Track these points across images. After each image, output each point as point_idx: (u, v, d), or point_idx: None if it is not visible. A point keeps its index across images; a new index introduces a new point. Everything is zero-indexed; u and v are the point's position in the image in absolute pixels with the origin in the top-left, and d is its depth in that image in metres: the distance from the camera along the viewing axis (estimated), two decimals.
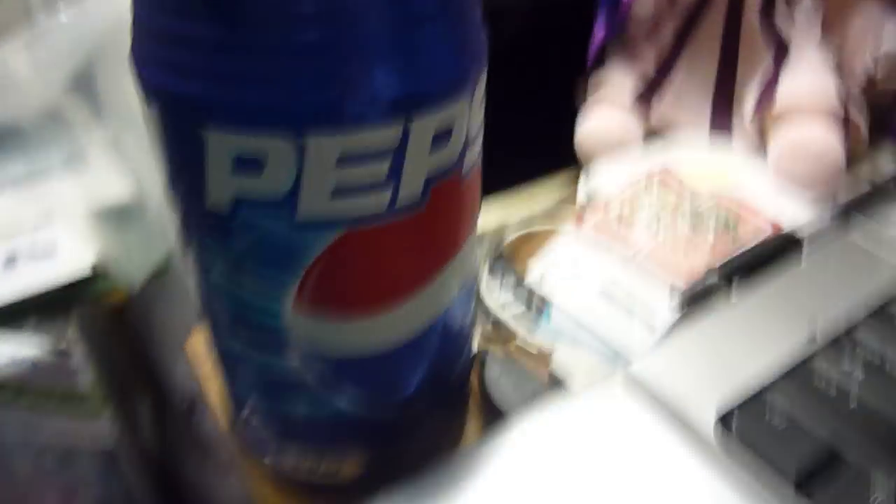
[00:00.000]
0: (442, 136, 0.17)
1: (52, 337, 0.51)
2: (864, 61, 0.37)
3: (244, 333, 0.20)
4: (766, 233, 0.32)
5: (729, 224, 0.32)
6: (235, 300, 0.19)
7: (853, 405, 0.24)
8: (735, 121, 0.40)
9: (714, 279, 0.29)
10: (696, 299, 0.28)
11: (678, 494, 0.21)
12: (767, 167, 0.36)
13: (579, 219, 0.37)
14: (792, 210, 0.34)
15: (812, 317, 0.27)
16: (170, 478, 0.77)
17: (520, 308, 0.32)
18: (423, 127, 0.16)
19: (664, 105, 0.40)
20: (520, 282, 0.34)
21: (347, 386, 0.20)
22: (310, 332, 0.19)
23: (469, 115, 0.18)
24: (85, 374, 0.53)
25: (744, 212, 0.33)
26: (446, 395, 0.24)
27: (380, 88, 0.15)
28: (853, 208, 0.33)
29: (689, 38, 0.40)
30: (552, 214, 0.39)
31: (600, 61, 0.41)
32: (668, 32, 0.41)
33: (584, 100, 0.42)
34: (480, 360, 0.27)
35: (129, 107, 0.57)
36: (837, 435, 0.22)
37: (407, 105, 0.16)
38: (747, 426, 0.23)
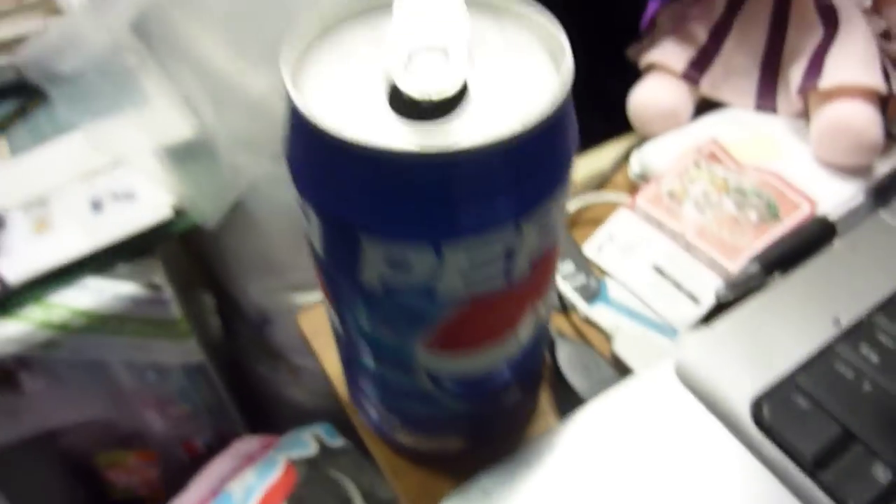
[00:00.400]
0: (546, 224, 0.21)
1: (144, 274, 0.57)
2: None
3: (377, 360, 0.24)
4: (804, 212, 0.35)
5: (770, 203, 0.36)
6: (374, 342, 0.23)
7: (867, 388, 0.28)
8: (780, 89, 0.42)
9: (755, 269, 0.33)
10: (738, 287, 0.33)
11: (718, 470, 0.27)
12: (809, 139, 0.39)
13: (634, 191, 0.41)
14: (829, 186, 0.37)
15: (838, 302, 0.31)
16: (244, 378, 0.86)
17: (580, 280, 0.37)
18: (532, 223, 0.20)
19: (714, 73, 0.42)
20: (579, 253, 0.38)
21: (457, 394, 0.25)
22: (433, 361, 0.24)
23: (563, 198, 0.21)
24: (174, 304, 0.60)
25: (784, 188, 0.36)
26: (530, 389, 0.29)
27: (500, 211, 0.19)
28: (888, 186, 0.37)
29: (741, 5, 0.42)
30: (609, 183, 0.42)
31: (653, 27, 0.43)
32: (720, 1, 0.42)
33: (637, 65, 0.44)
34: (551, 340, 0.32)
35: (186, 49, 0.59)
36: (852, 416, 0.27)
37: (521, 215, 0.19)
38: (776, 410, 0.28)
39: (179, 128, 0.62)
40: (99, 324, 0.56)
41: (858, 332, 0.30)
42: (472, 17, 0.21)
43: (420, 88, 0.19)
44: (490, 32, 0.22)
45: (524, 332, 0.24)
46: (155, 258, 0.59)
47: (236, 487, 0.66)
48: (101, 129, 0.61)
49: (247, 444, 0.73)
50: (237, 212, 0.62)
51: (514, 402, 0.28)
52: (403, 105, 0.19)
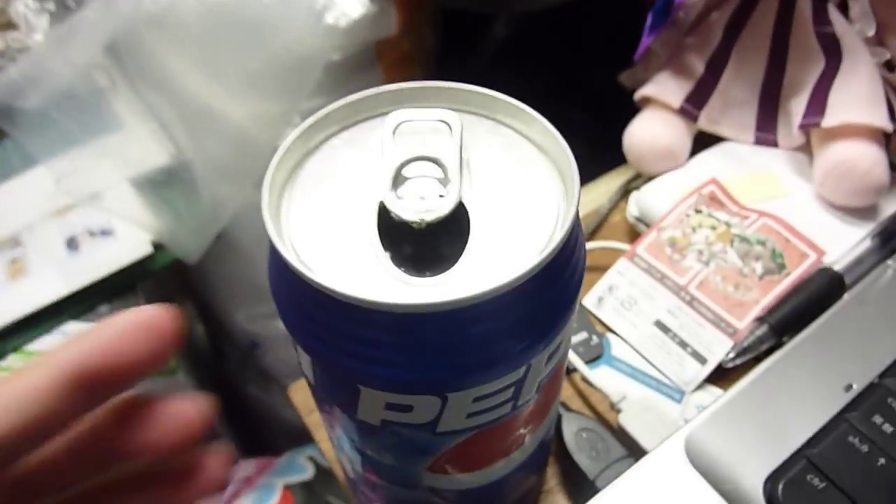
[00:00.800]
0: (555, 350, 0.19)
1: None
2: None
3: (378, 474, 0.23)
4: (810, 261, 0.34)
5: (776, 252, 0.35)
6: (377, 464, 0.22)
7: (881, 462, 0.27)
8: (781, 122, 0.40)
9: (763, 331, 0.31)
10: (747, 352, 0.32)
11: None
12: (812, 176, 0.38)
13: (632, 233, 0.39)
14: (834, 229, 0.36)
15: (850, 365, 0.30)
16: (236, 399, 0.85)
17: (581, 336, 0.35)
18: (540, 358, 0.19)
19: (712, 107, 0.40)
20: (580, 307, 0.36)
21: (462, 501, 0.24)
22: (437, 480, 0.22)
23: (570, 325, 0.20)
24: None
25: (789, 235, 0.35)
26: (536, 477, 0.28)
27: (508, 354, 0.17)
28: (894, 230, 0.35)
29: (738, 34, 0.40)
30: (606, 222, 0.41)
31: (647, 53, 0.41)
32: (717, 28, 0.40)
33: (631, 96, 0.42)
34: (557, 415, 0.31)
35: (160, 73, 0.57)
36: (867, 495, 0.26)
37: (530, 354, 0.18)
38: (789, 490, 0.27)
39: (155, 155, 0.60)
40: None
41: (871, 398, 0.29)
42: (468, 125, 0.20)
43: (412, 211, 0.17)
44: (487, 140, 0.20)
45: (532, 441, 0.23)
46: (136, 296, 0.57)
47: None
48: (70, 162, 0.58)
49: (243, 468, 0.72)
50: (221, 240, 0.60)
51: (520, 494, 0.27)
52: (394, 229, 0.18)
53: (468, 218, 0.18)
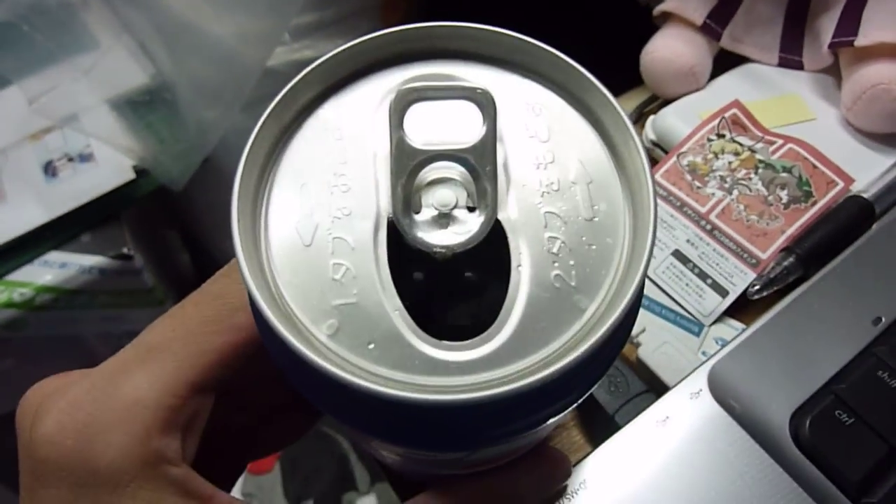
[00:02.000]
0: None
1: (111, 243, 0.53)
2: None
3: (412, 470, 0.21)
4: (838, 189, 0.32)
5: (802, 180, 0.33)
6: (407, 466, 0.20)
7: None
8: (807, 42, 0.38)
9: (790, 262, 0.30)
10: (773, 283, 0.30)
11: (757, 497, 0.25)
12: (839, 99, 0.36)
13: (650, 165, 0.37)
14: (863, 156, 0.34)
15: (878, 297, 0.29)
16: None
17: None
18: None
19: (735, 24, 0.38)
20: None
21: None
22: (469, 468, 0.21)
23: None
24: (146, 272, 0.56)
25: (817, 161, 0.33)
26: None
27: (536, 420, 0.14)
28: None
29: None
30: None
31: None
32: None
33: (642, 12, 0.39)
34: None
35: None
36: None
37: (558, 415, 0.15)
38: (816, 427, 0.26)
39: (134, 75, 0.56)
40: (66, 300, 0.52)
41: None
42: (508, 94, 0.14)
43: (432, 235, 0.13)
44: (533, 125, 0.14)
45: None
46: (120, 224, 0.54)
47: None
48: (44, 81, 0.55)
49: None
50: (207, 165, 0.57)
51: None
52: (408, 254, 0.13)
53: (506, 243, 0.13)
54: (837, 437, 0.26)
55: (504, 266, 0.13)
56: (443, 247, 0.13)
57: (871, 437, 0.26)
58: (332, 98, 0.14)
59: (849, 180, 0.33)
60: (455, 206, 0.13)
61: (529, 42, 0.14)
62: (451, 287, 0.14)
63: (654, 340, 0.30)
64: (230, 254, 0.53)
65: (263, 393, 0.21)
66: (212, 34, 0.51)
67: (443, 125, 0.14)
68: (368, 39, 0.14)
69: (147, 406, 0.16)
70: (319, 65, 0.14)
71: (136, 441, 0.15)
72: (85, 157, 0.54)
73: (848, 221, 0.31)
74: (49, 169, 0.53)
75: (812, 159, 0.33)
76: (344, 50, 0.14)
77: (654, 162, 0.36)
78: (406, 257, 0.13)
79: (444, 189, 0.13)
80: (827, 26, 0.36)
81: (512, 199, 0.13)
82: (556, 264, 0.13)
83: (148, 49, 0.56)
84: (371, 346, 0.12)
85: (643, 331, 0.30)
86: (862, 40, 0.34)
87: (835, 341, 0.28)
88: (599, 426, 0.28)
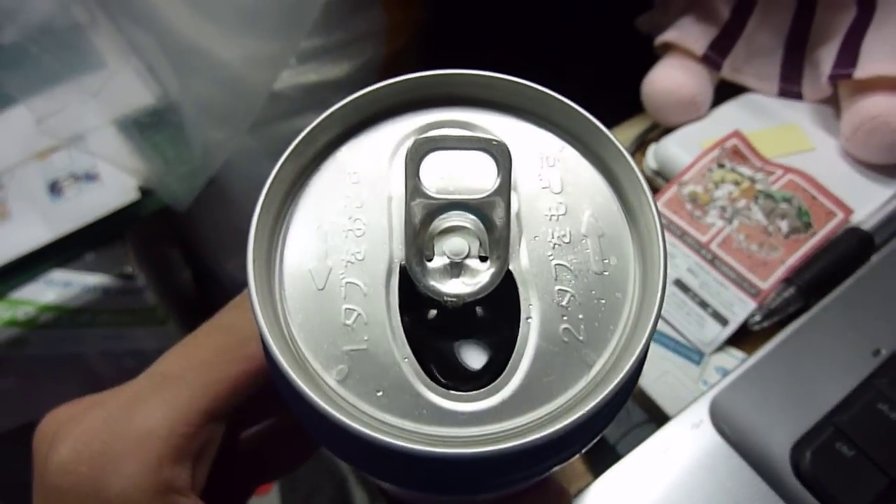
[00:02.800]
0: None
1: (114, 262, 0.53)
2: None
3: None
4: (838, 220, 0.33)
5: (802, 210, 0.33)
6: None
7: None
8: (807, 72, 0.39)
9: (791, 293, 0.30)
10: (774, 314, 0.30)
11: None
12: (839, 130, 0.36)
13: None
14: (862, 187, 0.35)
15: (878, 329, 0.29)
16: None
17: None
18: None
19: (736, 55, 0.38)
20: None
21: None
22: None
23: None
24: (149, 291, 0.56)
25: (816, 192, 0.34)
26: None
27: (545, 467, 0.15)
28: None
29: None
30: None
31: (667, 2, 0.39)
32: None
33: (643, 42, 0.40)
34: None
35: (144, 8, 0.53)
36: None
37: (567, 461, 0.15)
38: (817, 458, 0.26)
39: (141, 95, 0.57)
40: (69, 318, 0.52)
41: None
42: (522, 145, 0.14)
43: (444, 283, 0.13)
44: (547, 177, 0.14)
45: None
46: (124, 244, 0.54)
47: None
48: (51, 101, 0.55)
49: None
50: (211, 186, 0.57)
51: None
52: (419, 301, 0.13)
53: (516, 294, 0.13)
54: (838, 469, 0.26)
55: (514, 317, 0.13)
56: (454, 296, 0.13)
57: (871, 470, 0.26)
58: (349, 141, 0.14)
59: (848, 211, 0.33)
60: (467, 255, 0.13)
61: (545, 92, 0.14)
62: (460, 336, 0.14)
63: (655, 370, 0.30)
64: (233, 273, 0.54)
65: (271, 417, 0.22)
66: (218, 57, 0.51)
67: (458, 173, 0.14)
68: (386, 85, 0.14)
69: (160, 436, 0.16)
70: (338, 108, 0.14)
71: (147, 471, 0.16)
72: (91, 177, 0.54)
73: (847, 253, 0.31)
74: (55, 188, 0.54)
75: (811, 190, 0.34)
76: (362, 95, 0.14)
77: (654, 190, 0.36)
78: (417, 304, 0.13)
79: (457, 238, 0.13)
80: (826, 58, 0.37)
81: (523, 249, 0.13)
82: (565, 318, 0.13)
83: (155, 70, 0.56)
84: (379, 393, 0.12)
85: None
86: (860, 73, 0.35)
87: (835, 373, 0.28)
88: (601, 456, 0.28)
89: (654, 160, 0.37)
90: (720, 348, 0.32)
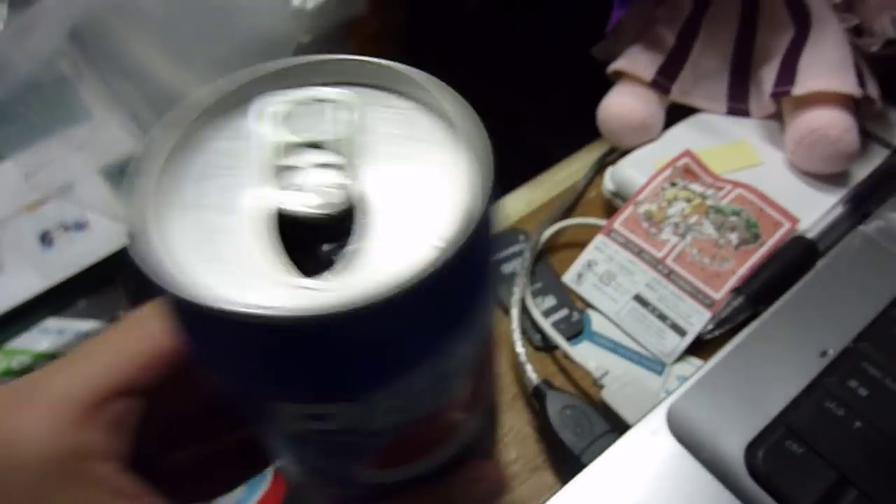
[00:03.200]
0: (480, 336, 0.19)
1: (106, 307, 0.55)
2: (881, 24, 0.37)
3: (323, 479, 0.23)
4: (784, 230, 0.35)
5: (750, 223, 0.35)
6: (317, 470, 0.22)
7: (858, 425, 0.28)
8: (752, 91, 0.41)
9: (740, 302, 0.32)
10: (724, 323, 0.32)
11: None
12: (784, 144, 0.38)
13: (609, 209, 0.40)
14: (807, 196, 0.37)
15: (824, 331, 0.31)
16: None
17: (562, 313, 0.36)
18: (460, 349, 0.18)
19: (684, 78, 0.40)
20: (559, 284, 0.37)
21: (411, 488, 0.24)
22: (374, 475, 0.22)
23: (489, 311, 0.20)
24: None
25: (763, 204, 0.36)
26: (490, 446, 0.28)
27: (422, 351, 0.16)
28: (866, 194, 0.36)
29: (707, 4, 0.40)
30: (583, 198, 0.41)
31: (618, 31, 0.41)
32: (686, 0, 0.40)
33: (605, 71, 0.42)
34: (540, 393, 0.31)
35: (126, 59, 0.56)
36: (846, 459, 0.27)
37: (448, 345, 0.17)
38: (769, 457, 0.27)
39: (126, 144, 0.59)
40: None
41: (846, 363, 0.30)
42: (367, 101, 0.18)
43: (304, 204, 0.16)
44: (390, 119, 0.18)
45: (475, 422, 0.23)
46: (115, 288, 0.56)
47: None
48: (38, 156, 0.57)
49: None
50: None
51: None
52: (288, 227, 0.16)
53: (370, 208, 0.16)
54: (789, 466, 0.27)
55: (366, 224, 0.16)
56: (314, 212, 0.15)
57: (821, 465, 0.27)
58: (216, 119, 0.17)
59: (794, 221, 0.35)
60: (323, 184, 0.16)
61: (391, 66, 0.17)
62: (321, 246, 0.16)
63: (618, 382, 0.32)
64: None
65: (201, 424, 0.22)
66: None
67: (311, 126, 0.17)
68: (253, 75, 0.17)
69: (71, 401, 0.16)
70: (202, 94, 0.17)
71: (59, 435, 0.16)
72: (80, 226, 0.56)
73: (793, 260, 0.33)
74: (45, 238, 0.56)
75: (759, 202, 0.36)
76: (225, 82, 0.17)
77: (613, 210, 0.38)
78: (286, 227, 0.16)
79: (315, 171, 0.16)
80: (768, 77, 0.39)
81: (367, 171, 0.16)
82: (412, 216, 0.16)
83: (138, 118, 0.58)
84: (252, 293, 0.15)
85: (606, 373, 0.32)
86: (798, 90, 0.37)
87: (785, 375, 0.30)
88: (567, 467, 0.29)
89: (611, 182, 0.39)
90: (680, 358, 0.34)
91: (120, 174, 0.58)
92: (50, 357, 0.51)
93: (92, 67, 0.59)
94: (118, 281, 0.56)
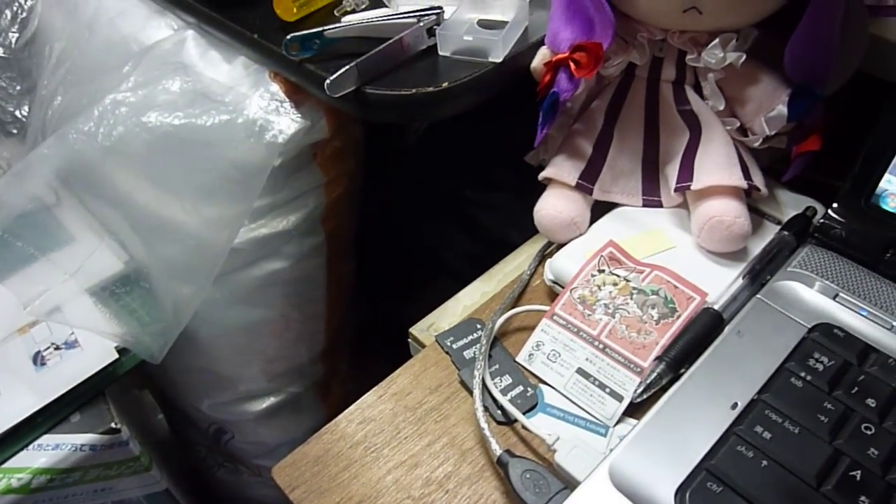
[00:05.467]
0: None
1: (98, 419, 0.58)
2: (760, 124, 0.45)
3: None
4: (696, 302, 0.41)
5: (667, 299, 0.42)
6: None
7: (764, 463, 0.34)
8: (662, 185, 0.48)
9: (661, 368, 0.38)
10: (650, 388, 0.38)
11: None
12: (692, 231, 0.45)
13: (552, 296, 0.46)
14: (713, 272, 0.43)
15: (734, 387, 0.37)
16: (205, 486, 0.87)
17: (518, 390, 0.41)
18: None
19: (603, 180, 0.48)
20: (514, 364, 0.42)
21: None
22: None
23: None
24: (133, 441, 0.61)
25: (677, 282, 0.42)
26: None
27: None
28: (760, 268, 0.43)
29: (617, 116, 0.48)
30: (528, 287, 0.47)
31: (546, 142, 0.49)
32: (599, 113, 0.48)
33: (538, 175, 0.49)
34: (503, 461, 0.36)
35: (107, 186, 0.61)
36: (757, 493, 0.33)
37: None
38: (694, 498, 0.33)
39: (109, 264, 0.64)
40: (60, 479, 0.57)
41: (752, 412, 0.36)
42: None
43: None
44: None
45: None
46: (105, 400, 0.60)
47: None
48: (29, 283, 0.62)
49: None
50: (180, 335, 0.63)
51: None
52: None
53: None
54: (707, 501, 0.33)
55: None
56: None
57: (737, 501, 0.33)
58: None
59: (703, 294, 0.42)
60: None
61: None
62: None
63: (567, 445, 0.37)
64: (206, 412, 0.62)
65: None
66: (181, 224, 0.59)
67: None
68: None
69: None
70: None
71: None
72: (70, 344, 0.60)
73: (704, 329, 0.39)
74: (38, 359, 0.60)
75: (673, 281, 0.42)
76: None
77: (554, 296, 0.45)
78: None
79: None
80: (672, 174, 0.47)
81: None
82: None
83: (122, 240, 0.63)
84: None
85: (558, 439, 0.37)
86: (696, 185, 0.44)
87: (704, 426, 0.36)
88: None
89: (550, 272, 0.46)
90: (620, 420, 0.39)
91: (107, 292, 0.62)
92: (46, 472, 0.55)
93: (73, 195, 0.64)
94: (108, 392, 0.60)
